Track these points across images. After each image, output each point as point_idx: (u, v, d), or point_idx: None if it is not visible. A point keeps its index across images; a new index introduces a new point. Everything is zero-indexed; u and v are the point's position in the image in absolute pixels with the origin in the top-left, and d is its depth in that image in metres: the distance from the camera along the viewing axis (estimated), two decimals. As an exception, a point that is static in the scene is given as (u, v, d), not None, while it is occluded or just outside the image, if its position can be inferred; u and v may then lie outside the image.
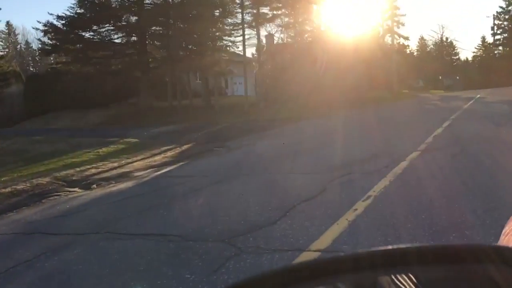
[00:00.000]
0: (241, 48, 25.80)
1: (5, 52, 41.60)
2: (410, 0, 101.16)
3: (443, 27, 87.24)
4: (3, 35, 61.69)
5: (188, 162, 9.64)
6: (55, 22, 24.14)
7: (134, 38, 27.29)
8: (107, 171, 9.12)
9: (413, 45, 76.12)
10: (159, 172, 8.53)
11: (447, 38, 73.16)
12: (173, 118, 24.59)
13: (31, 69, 48.27)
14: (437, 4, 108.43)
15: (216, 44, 22.47)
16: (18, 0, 79.97)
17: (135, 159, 10.70)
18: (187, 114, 25.40)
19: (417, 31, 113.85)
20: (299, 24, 27.64)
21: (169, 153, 11.43)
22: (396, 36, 51.31)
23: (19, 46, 62.08)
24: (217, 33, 22.24)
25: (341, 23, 31.81)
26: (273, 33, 28.17)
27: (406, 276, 0.66)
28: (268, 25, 25.03)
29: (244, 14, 22.93)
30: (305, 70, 24.90)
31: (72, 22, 24.88)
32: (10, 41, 63.45)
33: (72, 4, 28.69)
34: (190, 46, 23.73)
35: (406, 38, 51.69)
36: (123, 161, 10.28)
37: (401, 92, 39.36)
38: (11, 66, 41.05)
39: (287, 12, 23.31)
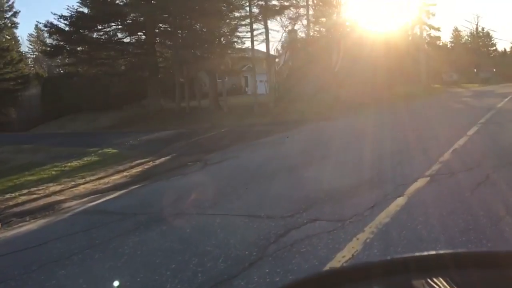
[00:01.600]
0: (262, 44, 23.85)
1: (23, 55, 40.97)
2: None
3: (478, 17, 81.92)
4: (31, 38, 61.72)
5: (142, 186, 7.73)
6: (55, 22, 22.73)
7: (141, 37, 25.65)
8: (38, 199, 7.35)
9: (447, 37, 72.05)
10: (92, 203, 6.66)
11: (483, 28, 68.51)
12: (178, 121, 22.89)
13: (47, 71, 47.73)
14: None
15: (221, 41, 20.47)
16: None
17: (88, 179, 8.91)
18: (193, 117, 23.62)
19: (451, 22, 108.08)
20: (316, 18, 25.34)
21: (133, 171, 9.58)
22: (427, 27, 47.96)
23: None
24: (222, 29, 20.22)
25: (367, 15, 29.22)
26: (297, 28, 26.01)
27: (442, 278, 0.68)
28: (279, 18, 22.87)
29: (252, 7, 20.83)
30: (321, 67, 22.61)
31: (75, 22, 23.44)
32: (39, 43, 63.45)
33: (73, 3, 27.33)
34: (194, 44, 21.87)
35: (437, 29, 48.19)
36: (71, 183, 8.51)
37: (431, 87, 36.33)
38: (30, 69, 40.57)
39: (296, 2, 21.08)
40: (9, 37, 41.99)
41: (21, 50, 47.04)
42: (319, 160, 8.15)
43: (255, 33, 22.17)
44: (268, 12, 20.54)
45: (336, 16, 23.09)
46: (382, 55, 25.11)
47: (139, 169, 9.78)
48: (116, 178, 8.76)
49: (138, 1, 22.66)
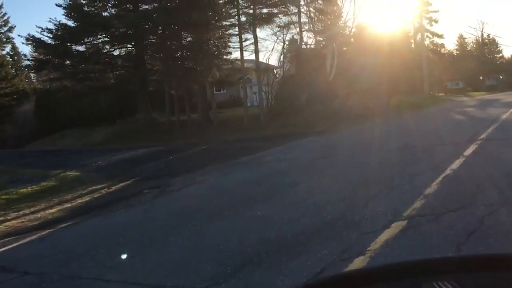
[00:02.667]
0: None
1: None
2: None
3: (483, 23, 79.94)
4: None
5: (71, 224, 6.46)
6: (38, 35, 21.70)
7: (130, 49, 24.59)
8: None
9: (452, 45, 70.55)
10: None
11: (488, 35, 66.73)
12: (166, 136, 21.71)
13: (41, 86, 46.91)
14: None
15: (207, 51, 19.25)
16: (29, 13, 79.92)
17: (22, 212, 7.66)
18: (183, 131, 22.48)
19: (457, 30, 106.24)
20: (312, 26, 24.07)
21: (79, 201, 8.33)
22: (430, 35, 46.56)
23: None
24: (210, 40, 18.98)
25: (367, 23, 27.85)
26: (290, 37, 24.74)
27: (449, 283, 0.68)
28: (271, 27, 21.58)
29: (240, 16, 19.63)
30: (316, 77, 21.31)
31: (60, 35, 22.40)
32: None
33: (57, 16, 26.21)
34: (182, 55, 20.73)
35: (440, 36, 46.88)
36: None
37: (434, 95, 34.84)
38: (24, 85, 39.61)
39: (286, 10, 19.81)
40: (3, 51, 41.23)
41: (22, 65, 46.33)
42: (286, 189, 6.81)
43: (246, 42, 21.00)
44: (257, 21, 19.31)
45: (331, 24, 21.75)
46: (382, 63, 23.74)
47: (87, 198, 8.50)
48: (52, 212, 7.48)
49: (123, 11, 21.60)
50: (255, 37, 19.97)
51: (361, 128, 16.19)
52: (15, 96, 38.71)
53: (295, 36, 22.98)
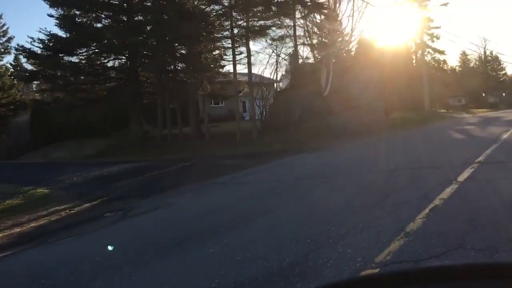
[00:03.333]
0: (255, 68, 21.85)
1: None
2: (448, 12, 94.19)
3: (485, 40, 79.14)
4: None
5: (4, 256, 5.60)
6: (28, 46, 21.10)
7: (123, 61, 23.97)
8: None
9: (454, 61, 69.89)
10: None
11: (491, 52, 66.03)
12: (156, 150, 20.98)
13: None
14: (478, 15, 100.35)
15: (198, 64, 18.53)
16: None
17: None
18: (173, 145, 21.65)
19: (459, 46, 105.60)
20: (309, 39, 23.37)
21: (32, 225, 7.51)
22: (431, 51, 45.90)
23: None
24: (203, 53, 18.27)
25: (366, 38, 27.15)
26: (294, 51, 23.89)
27: None
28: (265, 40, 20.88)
29: (234, 29, 18.95)
30: (310, 91, 20.55)
31: (51, 46, 21.81)
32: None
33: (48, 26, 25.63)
34: (172, 67, 20.07)
35: (442, 53, 46.11)
36: None
37: (434, 112, 33.99)
38: (20, 95, 39.05)
39: (280, 23, 19.12)
40: (1, 62, 40.72)
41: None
42: (255, 218, 5.96)
43: (241, 56, 20.31)
44: (250, 33, 18.61)
45: (327, 38, 21.05)
46: (380, 78, 23.01)
47: (42, 221, 7.68)
48: (-6, 238, 6.65)
49: (116, 23, 21.00)
50: (248, 50, 19.31)
51: (355, 145, 15.38)
52: (11, 107, 38.27)
53: (289, 50, 22.24)
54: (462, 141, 13.22)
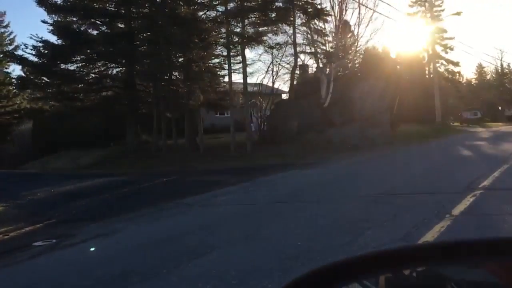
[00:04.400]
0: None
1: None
2: (463, 23, 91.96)
3: (502, 52, 76.57)
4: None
5: None
6: (20, 52, 20.30)
7: (119, 70, 23.05)
8: None
9: (470, 73, 67.94)
10: None
11: (508, 64, 63.86)
12: (148, 161, 19.92)
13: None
14: (494, 26, 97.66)
15: (190, 72, 17.40)
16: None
17: None
18: (166, 157, 20.54)
19: (476, 58, 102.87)
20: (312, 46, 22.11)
21: None
22: (444, 62, 44.12)
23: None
24: (197, 62, 17.12)
25: (374, 47, 25.84)
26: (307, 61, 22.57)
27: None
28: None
29: (230, 37, 17.83)
30: (310, 103, 19.28)
31: (44, 53, 20.96)
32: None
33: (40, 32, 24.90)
34: (167, 76, 19.01)
35: (456, 64, 44.22)
36: None
37: (445, 125, 32.28)
38: (25, 104, 38.52)
39: (276, 29, 17.87)
40: (7, 70, 40.24)
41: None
42: (188, 259, 4.70)
43: (240, 65, 19.16)
44: (245, 40, 17.45)
45: (330, 46, 19.79)
46: (387, 90, 21.62)
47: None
48: None
49: (111, 29, 20.05)
50: (243, 58, 18.11)
51: (353, 161, 14.02)
52: (16, 115, 37.73)
53: (290, 58, 20.99)
54: (468, 160, 11.72)
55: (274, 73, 20.06)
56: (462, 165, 10.55)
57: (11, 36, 40.40)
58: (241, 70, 17.98)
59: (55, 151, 32.16)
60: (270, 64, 20.37)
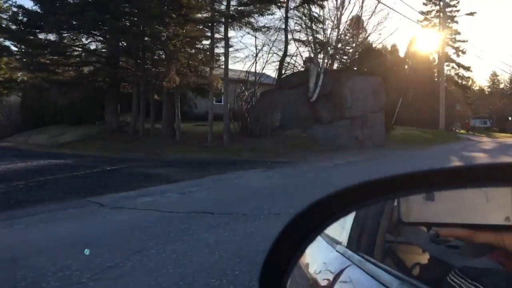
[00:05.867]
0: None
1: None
2: (478, 29, 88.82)
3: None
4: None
5: None
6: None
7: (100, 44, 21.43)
8: None
9: (483, 81, 65.42)
10: None
11: (522, 72, 61.26)
12: (122, 145, 18.50)
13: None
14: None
15: (166, 50, 15.63)
16: None
17: None
18: (141, 142, 19.02)
19: (489, 65, 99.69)
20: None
21: None
22: (455, 66, 41.88)
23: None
24: (173, 39, 15.31)
25: (376, 41, 23.86)
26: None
27: None
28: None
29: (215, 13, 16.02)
30: (296, 96, 17.52)
31: (21, 20, 19.36)
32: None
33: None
34: (141, 54, 17.33)
35: (467, 69, 41.93)
36: None
37: (450, 132, 30.25)
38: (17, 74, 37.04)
39: (262, 8, 15.87)
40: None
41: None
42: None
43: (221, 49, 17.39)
44: (229, 19, 15.64)
45: (323, 35, 17.90)
46: (384, 89, 19.74)
47: None
48: None
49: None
50: (226, 40, 16.31)
51: (329, 164, 12.29)
52: (6, 85, 36.31)
53: (281, 45, 19.10)
54: None
55: (260, 59, 18.20)
56: None
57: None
58: (213, 53, 16.19)
59: (42, 125, 30.88)
60: (255, 48, 18.54)
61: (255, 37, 18.40)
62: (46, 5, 18.11)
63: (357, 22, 20.47)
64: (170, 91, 18.11)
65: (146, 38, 16.44)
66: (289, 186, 8.57)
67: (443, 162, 12.01)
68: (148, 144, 18.27)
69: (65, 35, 20.63)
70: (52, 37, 21.04)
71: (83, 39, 21.63)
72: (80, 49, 21.86)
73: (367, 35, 21.54)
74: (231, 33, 17.56)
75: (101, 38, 20.99)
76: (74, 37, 20.88)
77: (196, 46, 17.87)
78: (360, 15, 20.25)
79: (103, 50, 22.07)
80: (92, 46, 22.65)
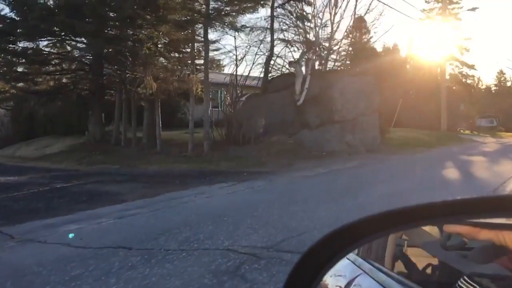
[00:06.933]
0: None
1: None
2: (485, 26, 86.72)
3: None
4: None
5: None
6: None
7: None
8: None
9: (490, 79, 63.78)
10: None
11: (531, 72, 59.34)
12: (100, 156, 17.37)
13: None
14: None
15: (140, 54, 14.45)
16: None
17: None
18: (122, 152, 17.91)
19: (496, 63, 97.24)
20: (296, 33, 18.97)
21: None
22: (459, 64, 40.20)
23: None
24: (143, 41, 14.09)
25: (368, 40, 22.53)
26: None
27: None
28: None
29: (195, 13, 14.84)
30: (281, 99, 16.29)
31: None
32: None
33: None
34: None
35: (471, 67, 40.18)
36: None
37: (450, 133, 28.67)
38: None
39: (242, 7, 14.57)
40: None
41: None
42: None
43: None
44: (207, 19, 14.43)
45: (310, 34, 16.62)
46: (378, 89, 18.40)
47: None
48: None
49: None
50: (206, 41, 15.12)
51: (309, 174, 11.03)
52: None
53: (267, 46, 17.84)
54: (442, 187, 8.50)
55: (244, 61, 16.97)
56: (423, 197, 7.39)
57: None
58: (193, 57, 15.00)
59: (34, 137, 29.98)
60: (235, 49, 17.30)
61: (234, 37, 17.24)
62: (19, 10, 17.07)
63: (359, 22, 19.24)
64: (151, 98, 16.99)
65: (119, 42, 15.30)
66: (248, 205, 7.29)
67: (434, 169, 10.66)
68: (127, 155, 17.14)
69: (44, 42, 19.65)
70: (29, 44, 20.03)
71: (60, 46, 20.57)
72: (59, 57, 20.79)
73: (360, 34, 20.30)
74: (213, 35, 16.18)
75: (75, 44, 19.88)
76: (51, 44, 19.85)
77: (178, 49, 16.68)
78: (354, 13, 19.02)
79: (88, 57, 20.98)
80: (77, 53, 21.61)
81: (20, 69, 20.25)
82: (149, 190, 9.05)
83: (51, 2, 16.14)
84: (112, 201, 7.88)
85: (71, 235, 5.62)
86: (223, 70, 21.53)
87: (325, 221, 5.79)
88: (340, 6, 18.52)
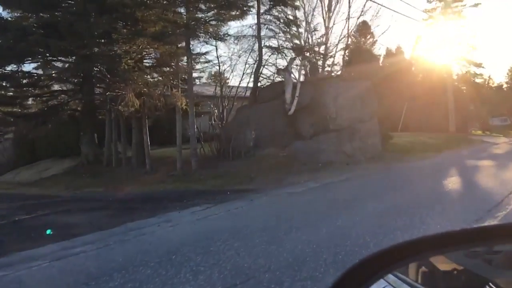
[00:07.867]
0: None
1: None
2: (490, 23, 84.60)
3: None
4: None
5: None
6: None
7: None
8: None
9: (501, 77, 61.86)
10: None
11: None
12: (85, 180, 16.59)
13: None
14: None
15: (118, 70, 13.58)
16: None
17: None
18: (107, 175, 17.06)
19: (505, 60, 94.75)
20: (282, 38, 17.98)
21: None
22: (466, 63, 38.70)
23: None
24: (121, 56, 13.24)
25: (365, 43, 21.40)
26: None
27: None
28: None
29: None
30: (271, 109, 15.26)
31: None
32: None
33: None
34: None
35: (479, 65, 38.62)
36: None
37: (459, 135, 27.19)
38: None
39: (229, 14, 13.60)
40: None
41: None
42: None
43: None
44: (189, 29, 13.51)
45: (299, 40, 15.59)
46: (377, 94, 17.27)
47: None
48: None
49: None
50: (189, 52, 14.22)
51: (297, 191, 9.94)
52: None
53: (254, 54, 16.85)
54: (441, 199, 7.26)
55: (227, 71, 16.00)
56: (419, 213, 6.16)
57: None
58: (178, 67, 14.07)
59: (36, 160, 29.41)
60: (217, 59, 16.34)
61: (216, 47, 16.32)
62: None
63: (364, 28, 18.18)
64: (138, 116, 16.15)
65: (96, 59, 14.50)
66: (209, 236, 6.18)
67: (434, 179, 9.46)
68: (116, 177, 16.27)
69: (32, 64, 18.96)
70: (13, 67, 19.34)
71: (43, 67, 19.85)
72: (47, 78, 20.07)
73: (364, 39, 19.25)
74: (205, 48, 15.25)
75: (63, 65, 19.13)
76: (37, 67, 19.14)
77: (164, 64, 15.80)
78: (348, 16, 17.99)
79: (79, 76, 20.23)
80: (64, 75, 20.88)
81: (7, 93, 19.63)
82: (111, 220, 8.03)
83: (26, 23, 15.35)
84: (62, 237, 6.87)
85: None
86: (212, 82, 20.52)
87: (287, 256, 4.70)
88: (333, 11, 17.55)
